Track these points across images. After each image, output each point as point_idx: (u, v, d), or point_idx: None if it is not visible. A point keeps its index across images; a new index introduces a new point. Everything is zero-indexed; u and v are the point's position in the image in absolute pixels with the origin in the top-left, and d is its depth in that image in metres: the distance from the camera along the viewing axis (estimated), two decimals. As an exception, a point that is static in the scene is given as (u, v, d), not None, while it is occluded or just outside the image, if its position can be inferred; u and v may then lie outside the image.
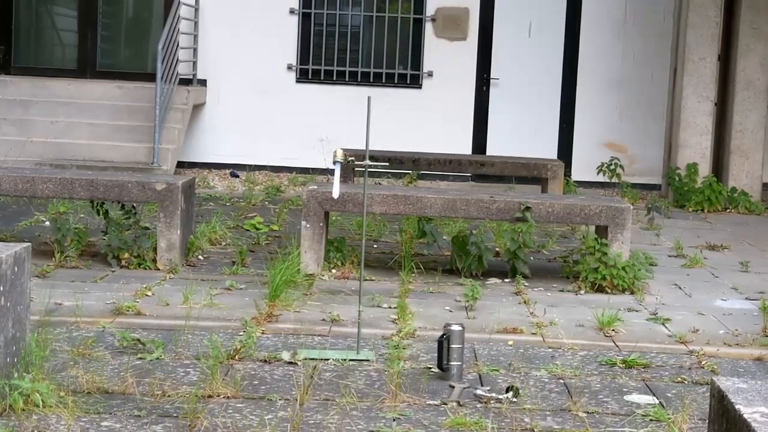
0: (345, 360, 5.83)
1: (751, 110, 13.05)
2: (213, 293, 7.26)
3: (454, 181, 13.94)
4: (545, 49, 14.23)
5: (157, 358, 5.72)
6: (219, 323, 6.56)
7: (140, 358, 5.71)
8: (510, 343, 6.34)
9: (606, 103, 14.22)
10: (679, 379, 5.79)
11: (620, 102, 14.20)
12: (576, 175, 13.80)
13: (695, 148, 13.13)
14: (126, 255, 8.15)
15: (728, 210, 12.74)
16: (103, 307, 6.81)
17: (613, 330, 6.74)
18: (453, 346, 5.51)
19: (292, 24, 14.25)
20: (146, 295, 7.24)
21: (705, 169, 13.06)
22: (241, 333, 6.29)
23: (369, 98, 5.76)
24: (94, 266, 8.13)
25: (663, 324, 7.04)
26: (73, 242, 8.36)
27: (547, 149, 14.16)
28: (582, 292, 7.94)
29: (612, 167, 13.18)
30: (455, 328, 5.56)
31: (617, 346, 6.43)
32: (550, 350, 6.30)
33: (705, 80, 13.06)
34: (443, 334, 5.56)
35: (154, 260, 8.16)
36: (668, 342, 6.59)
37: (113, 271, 7.99)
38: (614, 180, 13.24)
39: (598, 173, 13.33)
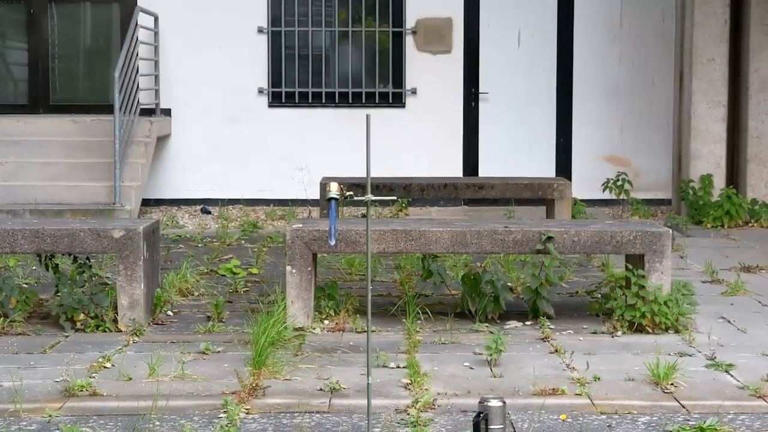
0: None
1: (767, 114, 11.91)
2: (185, 360, 6.05)
3: (444, 206, 12.79)
4: (537, 58, 13.10)
5: (115, 460, 4.53)
6: (193, 401, 5.35)
7: (93, 461, 4.52)
8: (563, 417, 5.10)
9: (605, 114, 13.09)
10: (777, 452, 4.64)
11: (620, 111, 13.07)
12: (576, 192, 12.60)
13: (708, 157, 11.99)
14: (81, 316, 6.92)
15: (750, 224, 11.58)
16: (51, 388, 5.59)
17: (671, 384, 5.58)
18: (492, 427, 4.33)
19: (262, 44, 13.06)
20: (104, 368, 6.01)
21: (720, 181, 11.92)
22: (222, 414, 5.10)
23: (368, 116, 4.58)
24: (45, 331, 6.89)
25: (727, 371, 5.87)
26: (18, 303, 7.12)
27: (544, 167, 13.03)
28: (619, 333, 6.77)
29: (619, 183, 12.03)
30: (494, 403, 4.37)
31: (684, 407, 5.25)
32: (603, 417, 5.12)
33: (715, 83, 11.93)
34: (479, 413, 4.37)
35: (115, 320, 6.94)
36: (742, 397, 5.41)
37: (66, 336, 6.76)
38: (622, 197, 12.09)
39: (603, 190, 12.16)
